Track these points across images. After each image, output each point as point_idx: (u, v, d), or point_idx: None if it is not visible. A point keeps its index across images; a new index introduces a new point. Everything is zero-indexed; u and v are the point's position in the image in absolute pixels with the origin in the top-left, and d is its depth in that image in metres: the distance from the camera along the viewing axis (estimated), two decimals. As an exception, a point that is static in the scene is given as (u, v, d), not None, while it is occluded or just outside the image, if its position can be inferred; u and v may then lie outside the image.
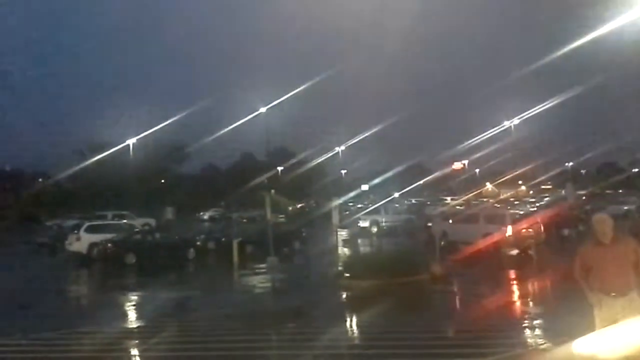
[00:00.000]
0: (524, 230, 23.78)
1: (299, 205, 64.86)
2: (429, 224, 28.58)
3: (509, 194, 61.75)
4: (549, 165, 71.34)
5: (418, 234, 30.52)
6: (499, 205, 42.18)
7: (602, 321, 5.63)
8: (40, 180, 73.73)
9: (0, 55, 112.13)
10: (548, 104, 53.95)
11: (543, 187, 71.29)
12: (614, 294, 5.66)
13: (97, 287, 19.74)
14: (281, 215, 48.38)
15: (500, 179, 69.00)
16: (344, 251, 25.82)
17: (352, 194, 53.92)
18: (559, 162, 77.00)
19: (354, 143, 69.35)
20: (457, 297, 14.37)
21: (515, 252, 23.08)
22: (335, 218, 27.40)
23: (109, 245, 23.68)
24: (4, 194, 67.64)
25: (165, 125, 57.61)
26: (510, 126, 59.91)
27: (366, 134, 65.25)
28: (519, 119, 59.35)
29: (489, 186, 71.03)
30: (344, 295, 14.35)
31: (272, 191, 53.30)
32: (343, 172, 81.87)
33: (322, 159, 77.16)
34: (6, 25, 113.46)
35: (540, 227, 25.10)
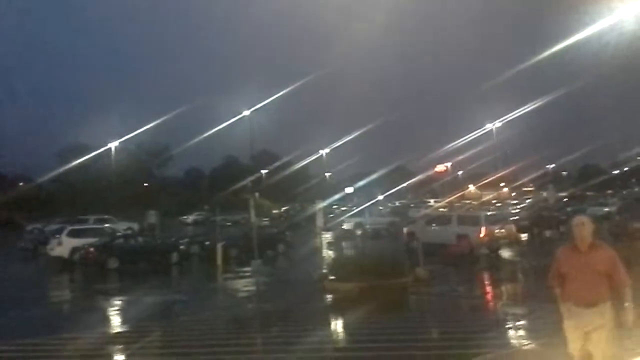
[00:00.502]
0: (496, 232, 24.37)
1: (283, 209, 64.83)
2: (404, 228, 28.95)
3: (491, 195, 62.30)
4: (531, 167, 72.19)
5: (400, 236, 30.79)
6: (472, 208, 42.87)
7: (572, 332, 5.44)
8: (21, 183, 72.77)
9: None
10: (530, 106, 54.65)
11: (525, 189, 72.03)
12: (584, 305, 5.27)
13: (79, 292, 19.52)
14: (265, 219, 48.37)
15: (483, 181, 69.57)
16: (328, 254, 25.83)
17: (336, 197, 54.03)
18: (541, 164, 77.91)
19: (338, 146, 69.57)
20: (441, 299, 14.45)
21: (487, 252, 23.46)
22: (320, 221, 27.53)
23: (91, 249, 23.45)
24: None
25: (149, 129, 57.40)
26: (492, 129, 60.46)
27: (350, 137, 65.49)
28: (500, 121, 59.96)
29: (471, 188, 71.57)
30: (328, 298, 14.35)
31: (257, 194, 53.30)
32: (327, 174, 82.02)
33: (307, 161, 77.35)
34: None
35: (513, 229, 25.76)
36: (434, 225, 27.00)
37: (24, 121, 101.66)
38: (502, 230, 24.71)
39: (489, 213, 29.08)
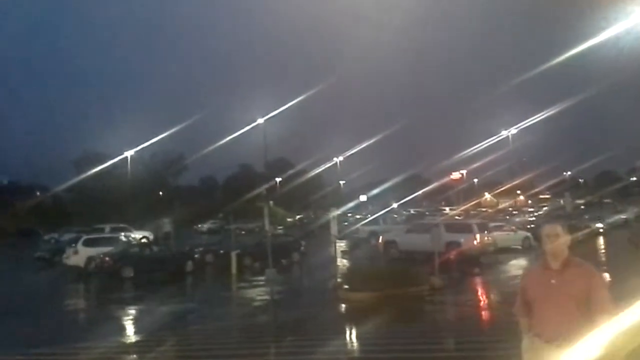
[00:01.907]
0: (486, 239, 24.49)
1: (298, 217, 64.77)
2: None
3: (507, 203, 61.80)
4: (547, 174, 71.47)
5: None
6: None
7: None
8: (38, 193, 73.55)
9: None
10: (545, 113, 54.17)
11: (541, 196, 71.32)
12: (551, 340, 3.95)
13: (95, 301, 19.62)
14: (280, 227, 48.32)
15: (498, 189, 69.04)
16: (342, 262, 25.71)
17: (350, 205, 53.88)
18: (557, 172, 77.08)
19: (353, 153, 69.51)
20: (457, 308, 14.28)
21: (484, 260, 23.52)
22: (334, 229, 27.28)
23: (107, 258, 23.53)
24: (1, 207, 67.37)
25: (163, 138, 57.70)
26: (508, 136, 60.06)
27: (364, 144, 65.36)
28: (516, 128, 59.55)
29: (487, 196, 71.09)
30: (343, 308, 14.25)
31: (271, 202, 53.28)
32: (342, 182, 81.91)
33: (321, 169, 77.31)
34: (2, 38, 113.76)
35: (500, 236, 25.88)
36: (417, 233, 26.72)
37: (39, 130, 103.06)
38: (489, 238, 24.96)
39: (477, 220, 29.29)
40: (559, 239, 4.04)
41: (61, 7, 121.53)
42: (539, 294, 4.08)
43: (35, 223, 59.63)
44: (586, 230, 31.62)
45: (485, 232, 25.18)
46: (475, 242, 23.62)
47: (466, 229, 25.02)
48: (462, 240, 23.62)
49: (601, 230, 36.10)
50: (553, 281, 3.98)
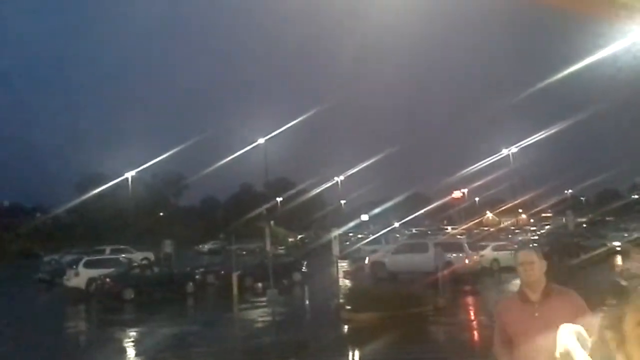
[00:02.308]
0: (476, 258, 24.54)
1: (299, 237, 64.56)
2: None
3: (509, 222, 61.65)
4: (549, 193, 71.39)
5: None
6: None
7: None
8: (38, 215, 73.49)
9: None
10: (546, 132, 54.13)
11: (543, 215, 71.16)
12: None
13: (95, 324, 19.45)
14: (281, 247, 48.18)
15: (500, 208, 68.89)
16: (345, 283, 25.53)
17: (352, 224, 53.73)
18: (559, 190, 76.97)
19: (353, 173, 69.38)
20: (462, 329, 14.12)
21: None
22: (336, 249, 27.18)
23: (107, 280, 23.41)
24: (2, 229, 67.26)
25: (164, 158, 57.79)
26: (509, 154, 60.07)
27: (365, 164, 65.25)
28: (517, 147, 59.51)
29: (489, 215, 70.97)
30: (346, 329, 14.10)
31: (272, 222, 53.16)
32: (342, 202, 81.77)
33: (322, 189, 77.24)
34: (3, 59, 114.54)
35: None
36: (405, 253, 26.58)
37: (41, 152, 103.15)
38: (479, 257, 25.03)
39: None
40: (535, 267, 3.57)
41: (58, 31, 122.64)
42: (521, 330, 3.57)
43: (36, 245, 59.51)
44: (602, 249, 31.22)
45: (478, 250, 25.24)
46: (466, 261, 23.52)
47: (457, 248, 24.95)
48: (452, 259, 23.53)
49: (618, 248, 32.41)
50: (536, 314, 3.50)
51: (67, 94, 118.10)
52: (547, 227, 53.47)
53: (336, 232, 31.48)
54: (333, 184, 74.27)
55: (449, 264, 23.35)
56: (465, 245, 25.30)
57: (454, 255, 24.00)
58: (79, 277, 25.76)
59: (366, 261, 26.95)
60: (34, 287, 29.89)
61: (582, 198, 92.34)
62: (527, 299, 3.60)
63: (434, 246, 25.64)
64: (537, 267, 3.59)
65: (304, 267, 28.84)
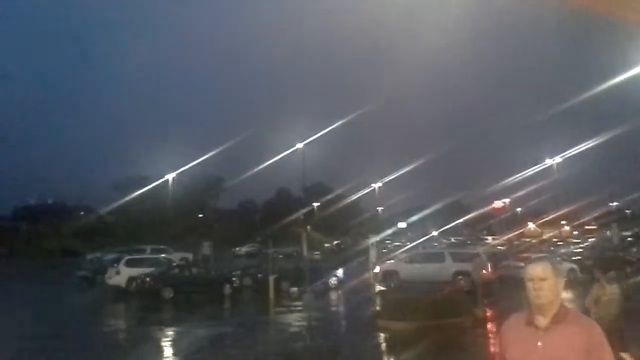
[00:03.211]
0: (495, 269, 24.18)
1: (335, 242, 64.46)
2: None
3: (552, 234, 60.11)
4: (594, 205, 69.30)
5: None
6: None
7: None
8: (82, 213, 75.39)
9: (42, 91, 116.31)
10: (592, 142, 52.63)
11: (587, 227, 69.16)
12: None
13: (135, 322, 19.77)
14: (317, 252, 48.16)
15: (543, 219, 67.25)
16: (381, 289, 25.31)
17: (389, 232, 53.35)
18: (604, 202, 74.69)
19: (392, 180, 68.93)
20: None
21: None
22: (373, 256, 27.03)
23: (147, 279, 23.83)
24: (46, 227, 69.35)
25: (203, 161, 58.53)
26: (553, 164, 58.66)
27: (404, 170, 64.71)
28: (561, 157, 58.09)
29: (531, 226, 69.33)
30: (382, 337, 13.94)
31: (308, 227, 53.27)
32: (380, 209, 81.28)
33: (359, 195, 76.93)
34: (47, 59, 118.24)
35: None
36: (420, 262, 26.17)
37: (84, 152, 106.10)
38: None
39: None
40: (547, 285, 2.91)
41: (102, 36, 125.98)
42: (520, 358, 2.96)
43: (78, 243, 61.02)
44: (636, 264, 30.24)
45: (503, 261, 24.81)
46: (484, 272, 22.97)
47: (474, 258, 24.47)
48: (470, 269, 23.04)
49: None
50: (539, 344, 2.89)
51: (111, 96, 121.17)
52: (591, 240, 51.88)
53: (373, 239, 31.39)
54: (370, 191, 74.00)
55: (464, 274, 23.01)
56: (483, 255, 24.86)
57: (472, 265, 23.55)
58: (120, 275, 26.30)
59: (377, 269, 26.18)
60: (76, 284, 30.61)
61: (627, 211, 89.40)
62: (533, 322, 2.97)
63: (478, 255, 25.31)
64: (549, 285, 2.91)
65: (340, 273, 28.74)
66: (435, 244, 48.01)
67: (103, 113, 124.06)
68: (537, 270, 2.95)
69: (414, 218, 65.74)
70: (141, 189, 60.93)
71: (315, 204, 76.96)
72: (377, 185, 72.60)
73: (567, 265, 30.44)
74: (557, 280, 2.94)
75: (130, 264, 27.03)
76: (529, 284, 2.95)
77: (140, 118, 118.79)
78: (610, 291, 9.15)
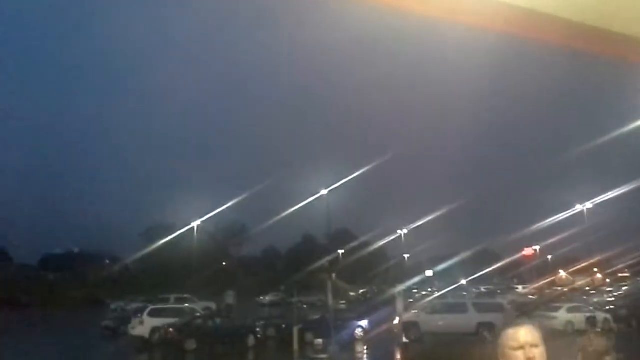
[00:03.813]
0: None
1: (361, 291, 63.43)
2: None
3: (583, 282, 58.51)
4: (626, 252, 67.35)
5: None
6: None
7: None
8: (107, 262, 75.87)
9: (63, 141, 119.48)
10: (623, 188, 51.49)
11: (620, 275, 67.14)
12: None
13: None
14: (342, 301, 47.36)
15: (574, 267, 65.53)
16: (404, 342, 24.56)
17: (416, 280, 52.40)
18: (636, 249, 72.56)
19: (419, 226, 68.07)
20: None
21: None
22: (399, 305, 26.45)
23: (170, 330, 23.60)
24: (71, 275, 69.87)
25: (228, 207, 58.81)
26: (583, 210, 57.55)
27: (431, 217, 63.92)
28: (592, 203, 57.03)
29: (562, 274, 67.54)
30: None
31: (333, 275, 52.59)
32: (406, 256, 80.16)
33: (385, 241, 76.07)
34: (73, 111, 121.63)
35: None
36: (442, 313, 25.38)
37: (109, 200, 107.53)
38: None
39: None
40: (539, 353, 2.39)
41: (122, 80, 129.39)
42: None
43: (103, 292, 61.13)
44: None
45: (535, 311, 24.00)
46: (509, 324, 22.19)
47: (498, 309, 23.73)
48: (494, 321, 22.25)
49: None
50: None
51: (138, 143, 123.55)
52: (624, 288, 50.23)
53: (400, 288, 30.80)
54: (397, 237, 73.19)
55: (489, 325, 22.22)
56: (507, 306, 24.21)
57: (496, 316, 22.80)
58: (143, 325, 26.09)
59: (396, 321, 25.21)
60: (100, 335, 30.40)
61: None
62: None
63: (474, 306, 24.67)
64: (541, 353, 2.39)
65: (365, 324, 28.09)
66: (465, 293, 46.92)
67: (130, 160, 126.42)
68: (529, 336, 2.41)
69: (442, 266, 64.52)
70: (166, 237, 61.30)
71: (340, 251, 76.25)
72: (403, 232, 71.84)
73: (602, 315, 29.38)
74: (544, 349, 2.41)
75: (153, 314, 26.86)
76: (518, 353, 2.38)
77: (165, 166, 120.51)
78: None
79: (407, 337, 23.97)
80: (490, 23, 2.09)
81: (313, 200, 55.38)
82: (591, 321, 28.07)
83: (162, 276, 64.35)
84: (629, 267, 68.02)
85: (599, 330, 27.52)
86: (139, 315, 27.31)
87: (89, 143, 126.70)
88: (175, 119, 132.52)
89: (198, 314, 27.78)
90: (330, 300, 24.76)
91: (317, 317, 27.28)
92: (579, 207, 57.49)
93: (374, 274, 74.51)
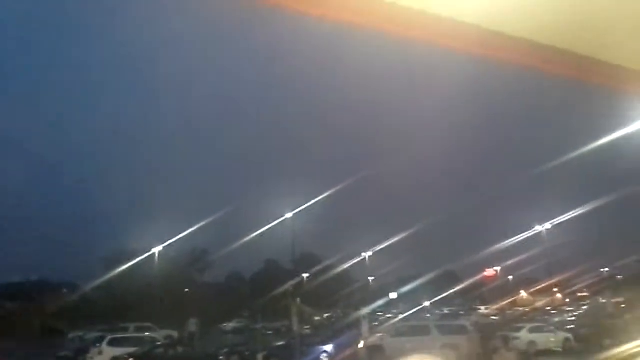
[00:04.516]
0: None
1: (326, 315, 63.03)
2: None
3: (544, 302, 59.56)
4: (585, 272, 69.02)
5: None
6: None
7: None
8: (64, 290, 73.61)
9: (20, 164, 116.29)
10: (582, 209, 52.97)
11: (580, 294, 68.71)
12: None
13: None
14: (307, 326, 46.96)
15: (535, 287, 66.72)
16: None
17: (380, 303, 52.45)
18: (595, 269, 74.50)
19: (383, 248, 68.26)
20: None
21: None
22: (364, 328, 26.41)
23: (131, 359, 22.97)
24: (28, 305, 67.39)
25: (190, 233, 57.89)
26: (543, 231, 58.85)
27: (395, 239, 64.27)
28: (551, 224, 58.41)
29: (523, 294, 68.67)
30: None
31: (298, 300, 52.23)
32: (370, 279, 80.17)
33: (350, 264, 75.97)
34: (24, 133, 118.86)
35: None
36: (407, 336, 25.67)
37: (68, 228, 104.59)
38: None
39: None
40: None
41: (77, 108, 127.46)
42: None
43: (61, 321, 59.16)
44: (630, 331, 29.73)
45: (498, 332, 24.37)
46: (472, 344, 22.53)
47: (461, 330, 24.10)
48: (458, 342, 22.60)
49: None
50: None
51: (97, 168, 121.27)
52: (584, 307, 51.34)
53: (365, 311, 30.76)
54: (361, 260, 73.25)
55: (452, 347, 22.47)
56: (470, 327, 24.59)
57: (459, 337, 23.10)
58: (102, 355, 25.52)
59: (361, 344, 25.14)
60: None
61: (619, 277, 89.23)
62: None
63: (437, 328, 24.91)
64: None
65: (330, 348, 27.86)
66: (428, 315, 47.18)
67: (87, 186, 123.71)
68: None
69: (406, 288, 64.77)
70: (126, 264, 59.94)
71: (305, 275, 75.79)
72: (368, 255, 71.94)
73: (562, 335, 29.86)
74: None
75: (113, 343, 26.28)
76: None
77: (125, 190, 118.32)
78: None
79: None
80: (460, 45, 2.11)
81: (277, 224, 55.08)
82: (551, 340, 28.61)
83: (122, 304, 62.69)
84: (588, 286, 69.70)
85: (560, 350, 28.05)
86: (98, 344, 26.67)
87: (44, 168, 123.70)
88: (133, 141, 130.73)
89: (159, 343, 27.16)
90: (295, 326, 24.57)
91: (281, 343, 26.99)
92: (538, 228, 58.80)
93: (339, 297, 74.26)
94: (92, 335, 35.82)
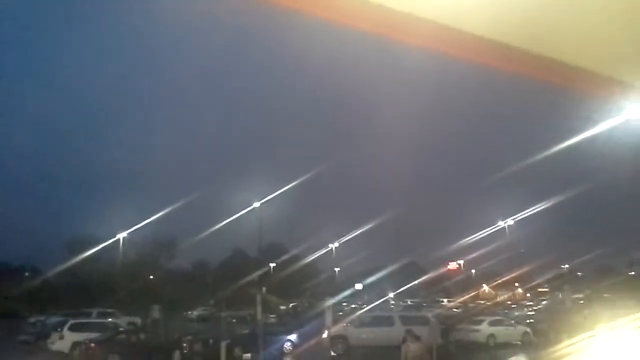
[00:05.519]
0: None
1: (291, 305, 63.27)
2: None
3: (505, 296, 60.82)
4: (545, 267, 70.74)
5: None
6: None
7: None
8: (26, 274, 72.15)
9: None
10: (543, 205, 54.22)
11: (540, 289, 70.34)
12: None
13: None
14: (272, 315, 47.08)
15: (496, 281, 68.08)
16: (333, 356, 24.71)
17: (346, 293, 52.87)
18: (556, 264, 76.39)
19: (350, 239, 68.76)
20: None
21: None
22: (329, 319, 26.58)
23: (92, 345, 22.74)
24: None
25: (157, 219, 57.29)
26: (505, 226, 59.98)
27: (361, 230, 64.77)
28: (513, 219, 59.56)
29: (485, 288, 70.01)
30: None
31: (264, 289, 52.25)
32: (336, 270, 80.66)
33: (316, 255, 76.28)
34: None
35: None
36: (370, 326, 26.13)
37: (31, 211, 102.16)
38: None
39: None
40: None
41: (48, 99, 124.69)
42: None
43: (22, 305, 58.03)
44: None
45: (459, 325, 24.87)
46: (434, 336, 22.85)
47: (424, 321, 24.47)
48: (420, 333, 22.90)
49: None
50: None
51: (58, 154, 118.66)
52: (543, 302, 52.62)
53: (330, 302, 30.94)
54: (328, 251, 73.60)
55: (415, 338, 22.73)
56: (432, 319, 24.95)
57: (420, 328, 23.36)
58: (63, 340, 25.17)
59: (325, 334, 25.27)
60: (17, 350, 28.78)
61: (579, 273, 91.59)
62: None
63: (401, 319, 25.28)
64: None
65: (294, 337, 28.02)
66: (392, 306, 47.76)
67: (51, 171, 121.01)
68: None
69: (371, 279, 65.37)
70: (90, 249, 59.04)
71: (272, 265, 75.80)
72: (334, 246, 72.32)
73: (522, 329, 30.61)
74: None
75: (74, 328, 25.95)
76: None
77: (91, 175, 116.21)
78: None
79: (334, 351, 24.12)
80: (421, 42, 2.17)
81: (245, 213, 54.91)
82: (511, 333, 29.28)
83: (84, 290, 61.74)
84: (549, 282, 71.42)
85: (519, 343, 28.74)
86: (59, 329, 26.30)
87: (9, 150, 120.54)
88: (106, 126, 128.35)
89: (121, 329, 26.90)
90: (260, 315, 24.49)
91: (246, 331, 27.01)
92: (501, 224, 59.90)
93: (304, 287, 74.60)
94: (54, 319, 35.27)
